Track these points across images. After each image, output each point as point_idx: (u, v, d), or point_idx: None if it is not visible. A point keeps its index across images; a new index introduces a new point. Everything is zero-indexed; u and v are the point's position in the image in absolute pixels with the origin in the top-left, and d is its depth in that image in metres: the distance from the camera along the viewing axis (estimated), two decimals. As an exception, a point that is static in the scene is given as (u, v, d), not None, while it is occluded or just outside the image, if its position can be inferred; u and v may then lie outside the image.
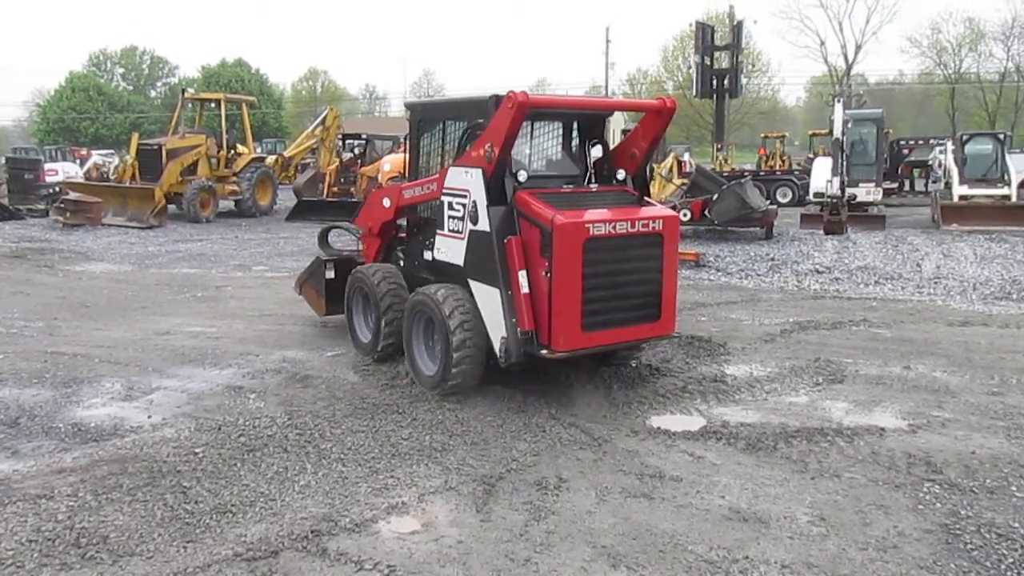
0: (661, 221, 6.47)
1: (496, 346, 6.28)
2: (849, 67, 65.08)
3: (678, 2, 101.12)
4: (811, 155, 34.19)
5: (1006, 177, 19.79)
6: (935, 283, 11.94)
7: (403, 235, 7.99)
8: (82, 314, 10.16)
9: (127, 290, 11.96)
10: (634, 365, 7.29)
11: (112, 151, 38.89)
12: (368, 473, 5.17)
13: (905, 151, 30.79)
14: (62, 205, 20.34)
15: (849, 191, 18.75)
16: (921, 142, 32.05)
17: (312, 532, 4.38)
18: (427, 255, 7.23)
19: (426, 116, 7.77)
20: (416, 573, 4.01)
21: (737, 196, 16.46)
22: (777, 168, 33.26)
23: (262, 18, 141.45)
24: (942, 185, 22.54)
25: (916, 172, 29.89)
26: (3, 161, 29.63)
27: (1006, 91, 61.17)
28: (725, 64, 32.01)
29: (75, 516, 4.56)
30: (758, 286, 12.06)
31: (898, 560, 4.12)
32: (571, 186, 6.85)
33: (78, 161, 39.07)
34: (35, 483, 5.01)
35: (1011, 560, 4.10)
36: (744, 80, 41.66)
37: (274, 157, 27.81)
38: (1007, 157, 20.51)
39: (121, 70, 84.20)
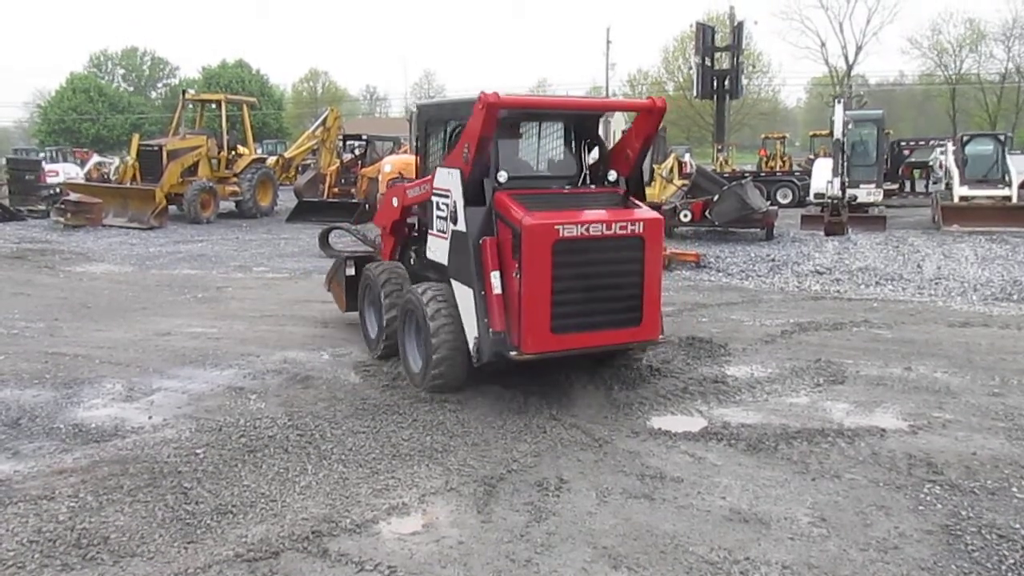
0: (641, 224, 6.27)
1: (471, 345, 6.32)
2: (850, 68, 65.13)
3: (679, 3, 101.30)
4: (812, 156, 34.28)
5: (1007, 178, 19.79)
6: (936, 284, 11.94)
7: (415, 234, 8.10)
8: (83, 315, 10.17)
9: (128, 291, 11.96)
10: (635, 367, 7.29)
11: (102, 159, 38.52)
12: (369, 474, 5.17)
13: (906, 152, 30.81)
14: (63, 206, 20.35)
15: (850, 192, 18.76)
16: (922, 143, 32.06)
17: (313, 533, 4.38)
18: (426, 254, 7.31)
19: (433, 117, 7.82)
20: (417, 574, 4.01)
21: (738, 197, 16.47)
22: (778, 169, 33.26)
23: (263, 19, 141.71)
24: (943, 186, 22.53)
25: (917, 173, 29.86)
26: (4, 162, 29.63)
27: (1007, 92, 61.21)
28: (726, 65, 32.00)
29: (76, 517, 4.56)
30: (759, 287, 12.06)
31: (899, 561, 4.12)
32: (568, 187, 6.84)
33: (79, 162, 39.08)
34: (36, 484, 5.01)
35: (1012, 561, 4.10)
36: (745, 81, 41.71)
37: (275, 158, 27.83)
38: (1008, 158, 20.51)
39: (122, 71, 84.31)
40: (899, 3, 79.38)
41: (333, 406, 6.45)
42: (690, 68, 41.90)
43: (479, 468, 5.25)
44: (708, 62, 31.39)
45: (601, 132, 7.48)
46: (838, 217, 17.39)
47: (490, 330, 6.09)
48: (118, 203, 20.92)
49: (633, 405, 6.43)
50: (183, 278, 13.11)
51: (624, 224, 6.22)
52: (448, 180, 6.57)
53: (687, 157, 32.18)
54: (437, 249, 6.90)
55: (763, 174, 29.78)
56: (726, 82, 31.52)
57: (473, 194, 6.29)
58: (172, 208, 21.34)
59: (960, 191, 19.65)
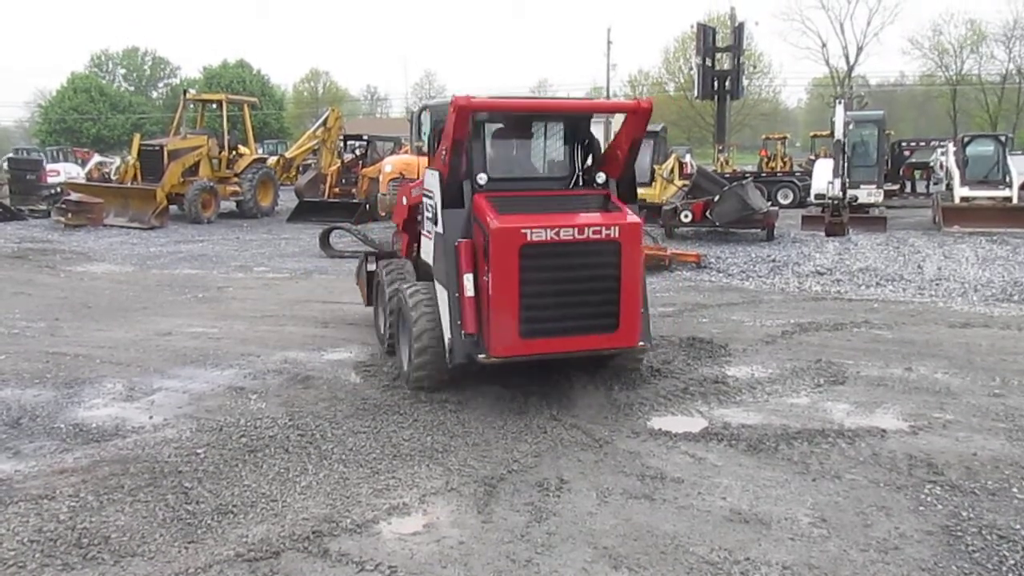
0: (617, 228, 6.09)
1: (446, 346, 6.36)
2: (850, 69, 65.11)
3: (679, 3, 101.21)
4: (812, 157, 34.25)
5: (1007, 179, 19.78)
6: (936, 285, 11.93)
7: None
8: (83, 315, 10.17)
9: (128, 291, 11.97)
10: (635, 368, 7.28)
11: (103, 159, 38.44)
12: (369, 474, 5.17)
13: (906, 153, 30.79)
14: (64, 206, 20.37)
15: (850, 193, 18.76)
16: (922, 144, 32.04)
17: (313, 533, 4.38)
18: None
19: (442, 117, 7.84)
20: (417, 574, 4.02)
21: (738, 197, 16.46)
22: (778, 169, 33.23)
23: (263, 19, 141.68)
24: (943, 187, 22.55)
25: (917, 174, 29.87)
26: (5, 162, 29.64)
27: (1007, 93, 61.20)
28: (727, 65, 32.04)
29: (77, 516, 4.56)
30: (759, 287, 12.05)
31: (899, 562, 4.11)
32: (558, 189, 6.82)
33: (80, 162, 39.08)
34: (37, 483, 5.01)
35: (1012, 562, 4.10)
36: (745, 81, 41.79)
37: (276, 158, 27.88)
38: (1008, 159, 20.50)
39: (123, 71, 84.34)
40: (900, 4, 79.09)
41: (334, 406, 6.46)
42: (691, 69, 41.94)
43: (479, 468, 5.25)
44: (709, 63, 31.43)
45: (602, 133, 7.45)
46: (839, 218, 17.39)
47: (462, 332, 6.08)
48: (119, 203, 20.94)
49: (633, 405, 6.43)
50: (184, 278, 13.12)
51: (598, 228, 6.06)
52: (431, 182, 6.63)
53: (688, 158, 32.11)
54: (426, 250, 6.98)
55: (764, 175, 29.77)
56: (727, 83, 31.56)
57: (451, 196, 6.31)
58: (173, 208, 21.36)
59: (961, 192, 19.65)
